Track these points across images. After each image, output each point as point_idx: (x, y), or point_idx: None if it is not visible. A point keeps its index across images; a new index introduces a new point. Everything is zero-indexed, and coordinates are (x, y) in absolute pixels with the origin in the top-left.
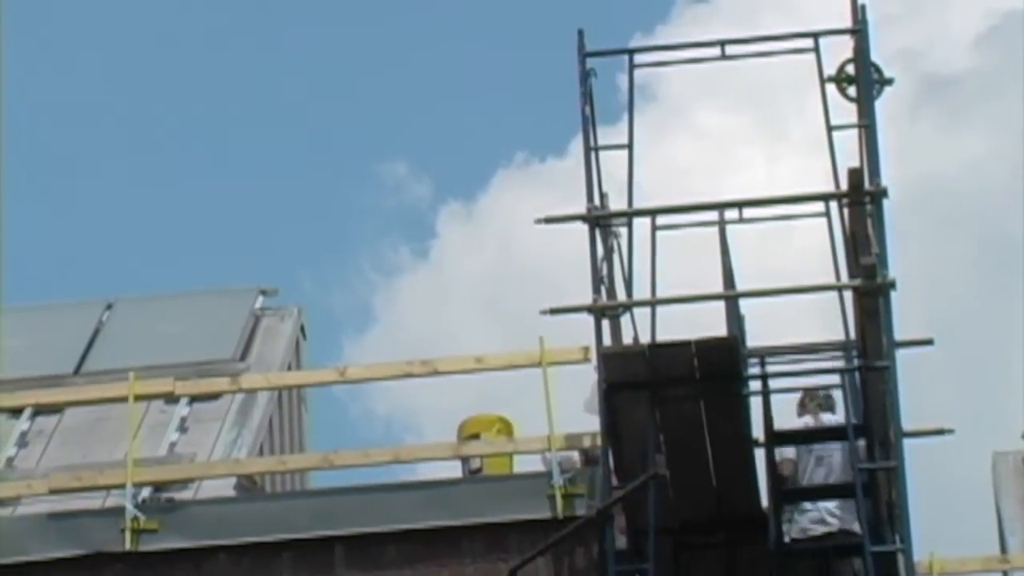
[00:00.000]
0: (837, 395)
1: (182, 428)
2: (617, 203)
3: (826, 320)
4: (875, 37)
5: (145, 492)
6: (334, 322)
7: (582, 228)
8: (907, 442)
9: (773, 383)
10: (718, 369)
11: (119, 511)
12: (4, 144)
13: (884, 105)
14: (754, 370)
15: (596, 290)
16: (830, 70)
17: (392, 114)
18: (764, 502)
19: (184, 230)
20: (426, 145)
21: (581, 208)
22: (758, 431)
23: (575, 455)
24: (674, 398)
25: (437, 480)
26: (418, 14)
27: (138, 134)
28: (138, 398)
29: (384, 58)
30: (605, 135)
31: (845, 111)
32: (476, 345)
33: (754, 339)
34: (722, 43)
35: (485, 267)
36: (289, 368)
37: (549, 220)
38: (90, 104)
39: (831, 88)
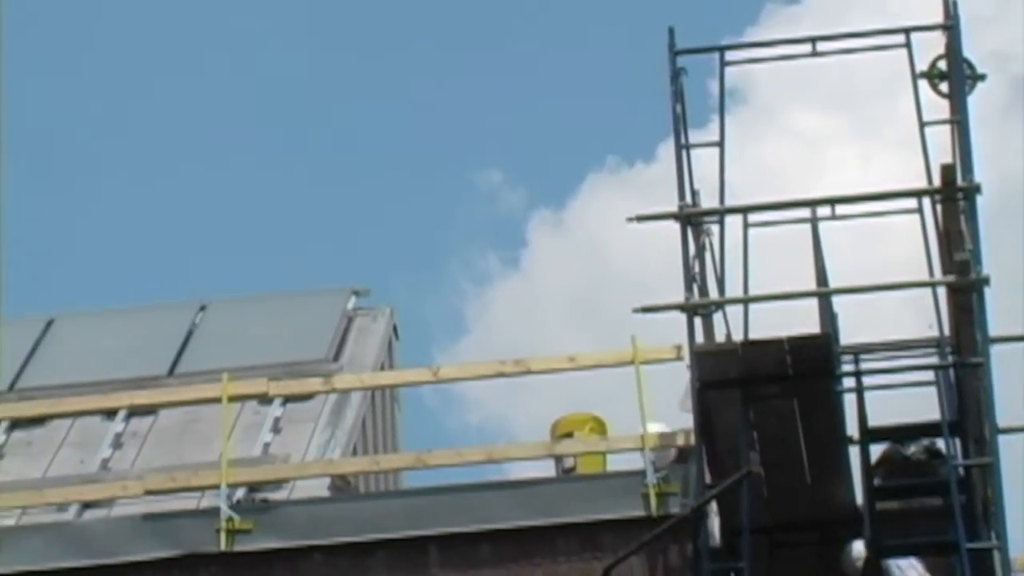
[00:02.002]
0: None
1: (276, 429)
2: (708, 203)
3: (920, 317)
4: (966, 38)
5: (239, 493)
6: (426, 331)
7: (672, 232)
8: (1002, 438)
9: (867, 380)
10: (811, 367)
11: (214, 512)
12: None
13: (975, 107)
14: (848, 367)
15: (688, 288)
16: (922, 66)
17: (488, 121)
18: (859, 500)
19: (280, 234)
20: (520, 152)
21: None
22: (852, 429)
23: (669, 453)
24: (767, 396)
25: (530, 479)
26: (512, 23)
27: (237, 139)
28: (232, 399)
29: (482, 66)
30: (695, 139)
31: (937, 108)
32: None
33: (848, 336)
34: (813, 40)
35: (575, 274)
36: (382, 368)
37: (641, 219)
38: (190, 108)
39: (923, 85)
